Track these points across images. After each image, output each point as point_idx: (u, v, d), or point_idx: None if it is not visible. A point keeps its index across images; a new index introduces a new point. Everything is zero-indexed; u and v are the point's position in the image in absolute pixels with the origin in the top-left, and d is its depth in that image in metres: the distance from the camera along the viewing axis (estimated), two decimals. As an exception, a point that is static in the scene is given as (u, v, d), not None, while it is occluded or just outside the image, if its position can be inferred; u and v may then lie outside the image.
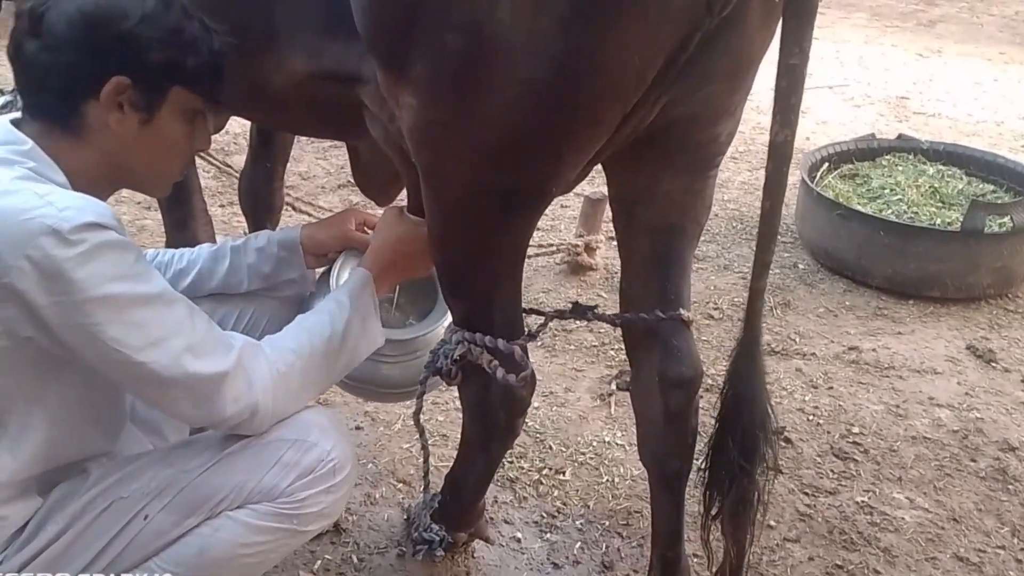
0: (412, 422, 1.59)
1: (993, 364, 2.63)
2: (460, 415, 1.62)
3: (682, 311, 1.39)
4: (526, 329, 1.46)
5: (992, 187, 3.37)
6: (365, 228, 1.59)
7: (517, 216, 1.27)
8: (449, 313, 1.52)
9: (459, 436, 1.67)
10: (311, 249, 1.58)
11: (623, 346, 1.54)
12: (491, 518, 1.92)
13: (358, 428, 2.21)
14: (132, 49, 1.15)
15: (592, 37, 1.02)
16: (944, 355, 2.67)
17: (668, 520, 1.54)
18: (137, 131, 1.19)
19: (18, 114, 1.19)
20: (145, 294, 1.11)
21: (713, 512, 1.44)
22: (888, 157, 3.59)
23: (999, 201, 3.19)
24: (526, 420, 1.71)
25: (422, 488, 1.72)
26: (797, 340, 2.72)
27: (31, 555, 1.19)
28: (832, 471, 2.14)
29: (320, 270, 1.62)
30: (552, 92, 1.07)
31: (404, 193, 1.56)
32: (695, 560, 1.73)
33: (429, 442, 1.69)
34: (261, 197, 2.41)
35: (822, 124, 4.79)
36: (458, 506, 1.73)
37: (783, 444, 2.20)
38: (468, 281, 1.39)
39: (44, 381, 1.16)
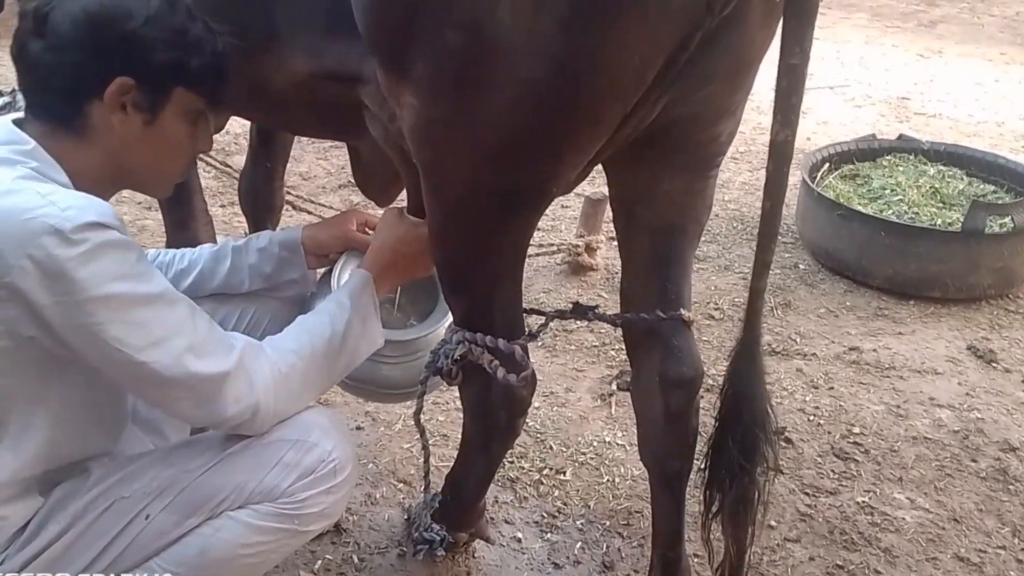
0: (413, 422, 1.59)
1: (994, 364, 2.63)
2: (461, 415, 1.62)
3: (683, 311, 1.39)
4: (527, 329, 1.46)
5: (993, 188, 3.37)
6: (366, 229, 1.59)
7: (517, 216, 1.28)
8: (450, 314, 1.53)
9: (460, 436, 1.67)
10: (312, 249, 1.58)
11: (624, 346, 1.54)
12: (492, 518, 1.92)
13: (359, 428, 2.21)
14: (136, 50, 1.15)
15: (592, 37, 1.02)
16: (945, 355, 2.67)
17: (669, 520, 1.54)
18: (140, 132, 1.19)
19: (17, 114, 1.20)
20: (147, 294, 1.11)
21: (713, 510, 1.44)
22: (889, 157, 3.59)
23: (1000, 202, 3.19)
24: (527, 420, 1.71)
25: (423, 488, 1.72)
26: (798, 340, 2.72)
27: (32, 554, 1.19)
28: (833, 471, 2.14)
29: (321, 270, 1.62)
30: (552, 92, 1.08)
31: (404, 193, 1.56)
32: (696, 560, 1.73)
33: (430, 442, 1.70)
34: (261, 197, 2.41)
35: (823, 124, 4.79)
36: (459, 506, 1.73)
37: (784, 444, 2.20)
38: (468, 281, 1.39)
39: (46, 381, 1.16)
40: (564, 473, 2.09)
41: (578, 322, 2.21)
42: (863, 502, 2.04)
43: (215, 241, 2.32)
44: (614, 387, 2.42)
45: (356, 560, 1.80)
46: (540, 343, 2.56)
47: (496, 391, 1.46)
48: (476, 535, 1.80)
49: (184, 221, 2.30)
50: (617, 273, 2.15)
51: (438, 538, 1.73)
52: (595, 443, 2.20)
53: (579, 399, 2.39)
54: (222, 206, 3.45)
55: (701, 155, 1.34)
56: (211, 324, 1.20)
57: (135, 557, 1.23)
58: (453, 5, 1.05)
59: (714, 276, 3.13)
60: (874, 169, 3.52)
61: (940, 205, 3.24)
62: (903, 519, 2.00)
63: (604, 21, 1.01)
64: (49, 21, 1.13)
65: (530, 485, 2.04)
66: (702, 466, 1.45)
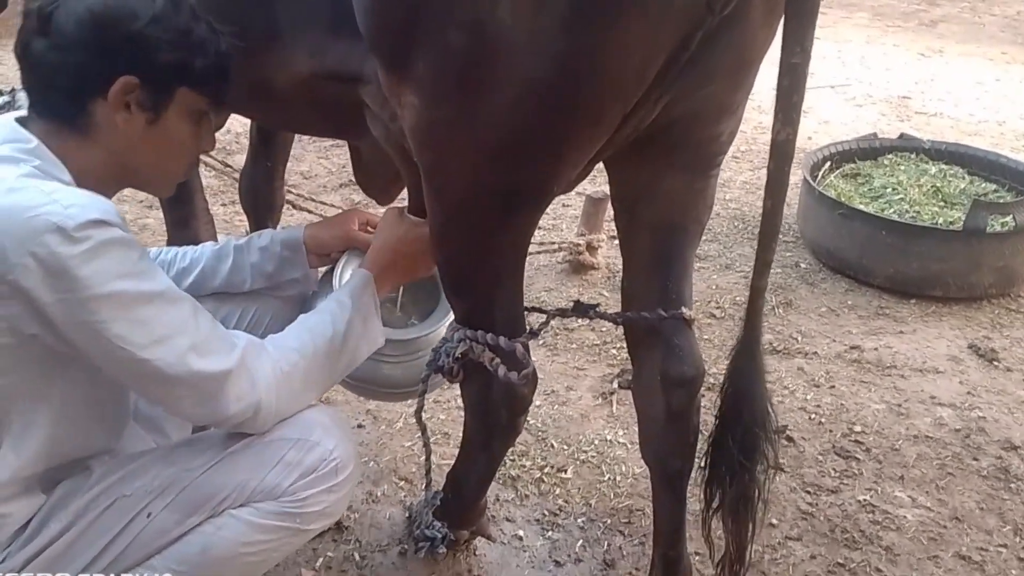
0: (414, 420, 1.59)
1: (995, 363, 2.63)
2: (462, 413, 1.62)
3: (684, 310, 1.39)
4: (528, 327, 1.46)
5: (994, 186, 3.37)
6: (368, 228, 1.60)
7: (518, 215, 1.28)
8: (451, 313, 1.53)
9: (461, 434, 1.68)
10: (314, 249, 1.59)
11: (625, 345, 1.54)
12: (493, 516, 1.92)
13: (360, 426, 2.21)
14: (141, 50, 1.15)
15: (593, 36, 1.02)
16: (946, 354, 2.67)
17: (670, 519, 1.54)
18: (144, 131, 1.19)
19: (17, 113, 1.20)
20: (149, 292, 1.11)
21: (714, 506, 1.44)
22: (890, 156, 3.59)
23: (1001, 200, 3.18)
24: (528, 418, 1.71)
25: (424, 486, 1.72)
26: (799, 339, 2.72)
27: (34, 552, 1.19)
28: (834, 470, 2.15)
29: (323, 269, 1.63)
30: (553, 91, 1.08)
31: (405, 193, 1.56)
32: (697, 558, 1.73)
33: (431, 440, 1.70)
34: (261, 196, 2.41)
35: (824, 123, 4.79)
36: (460, 504, 1.73)
37: (785, 443, 2.21)
38: (470, 280, 1.39)
39: (48, 378, 1.16)
40: (565, 471, 2.09)
41: (579, 321, 2.21)
42: (864, 500, 2.04)
43: (216, 239, 2.32)
44: (615, 385, 2.42)
45: (357, 558, 1.81)
46: (541, 341, 2.57)
47: (497, 389, 1.46)
48: (477, 533, 1.81)
49: (185, 220, 2.31)
50: (618, 272, 2.15)
51: (439, 536, 1.74)
52: (596, 441, 2.20)
53: (580, 397, 2.39)
54: (223, 205, 3.46)
55: (702, 154, 1.34)
56: (213, 322, 1.20)
57: (136, 555, 1.23)
58: (454, 5, 1.05)
59: (715, 275, 3.13)
60: (875, 168, 3.52)
61: (941, 204, 3.24)
62: (904, 518, 2.00)
63: (605, 20, 1.01)
64: (53, 20, 1.13)
65: (531, 483, 2.05)
66: (702, 464, 1.45)
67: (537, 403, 2.26)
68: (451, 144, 1.18)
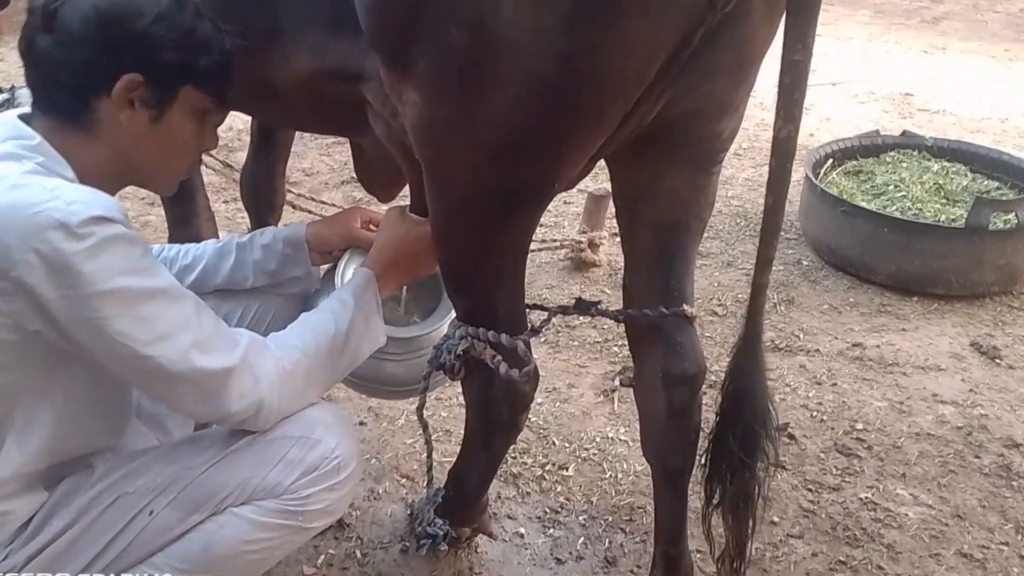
0: (415, 418, 1.59)
1: (997, 361, 2.63)
2: (463, 411, 1.62)
3: (685, 307, 1.39)
4: (529, 325, 1.46)
5: (996, 184, 3.37)
6: (370, 226, 1.60)
7: (520, 213, 1.28)
8: (453, 311, 1.53)
9: (462, 432, 1.68)
10: (316, 246, 1.59)
11: (626, 342, 1.54)
12: (494, 513, 1.92)
13: (361, 424, 2.21)
14: (146, 48, 1.15)
15: (594, 35, 1.02)
16: (948, 352, 2.67)
17: (671, 516, 1.54)
18: (147, 129, 1.20)
19: (17, 110, 1.20)
20: (152, 288, 1.11)
21: (714, 502, 1.44)
22: (892, 154, 3.59)
23: (1003, 198, 3.18)
24: (529, 416, 1.71)
25: (425, 483, 1.73)
26: (801, 336, 2.72)
27: (36, 549, 1.19)
28: (836, 467, 2.15)
29: (325, 267, 1.63)
30: (554, 89, 1.07)
31: (407, 190, 1.57)
32: (698, 555, 1.74)
33: (432, 437, 1.70)
34: (262, 193, 2.41)
35: (826, 121, 4.79)
36: (461, 501, 1.73)
37: (786, 440, 2.21)
38: (471, 277, 1.39)
39: (51, 375, 1.16)
40: (567, 469, 2.09)
41: (581, 318, 2.21)
42: (866, 498, 2.04)
43: (217, 237, 2.32)
44: (617, 383, 2.42)
45: (359, 555, 1.81)
46: (543, 339, 2.57)
47: (499, 387, 1.47)
48: (479, 530, 1.81)
49: (186, 217, 2.31)
50: (620, 269, 2.15)
51: (441, 533, 1.74)
52: (597, 439, 2.21)
53: (582, 395, 2.39)
54: (225, 202, 3.46)
55: (704, 151, 1.34)
56: (216, 320, 1.20)
57: (139, 553, 1.23)
58: (456, 3, 1.05)
59: (717, 272, 3.13)
60: (877, 165, 3.52)
61: (944, 201, 3.24)
62: (906, 515, 2.00)
63: (606, 19, 1.01)
64: (58, 17, 1.13)
65: (532, 481, 2.05)
66: (703, 461, 1.45)
67: (539, 400, 2.26)
68: (452, 142, 1.18)
